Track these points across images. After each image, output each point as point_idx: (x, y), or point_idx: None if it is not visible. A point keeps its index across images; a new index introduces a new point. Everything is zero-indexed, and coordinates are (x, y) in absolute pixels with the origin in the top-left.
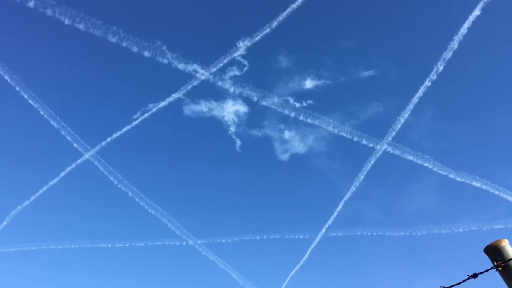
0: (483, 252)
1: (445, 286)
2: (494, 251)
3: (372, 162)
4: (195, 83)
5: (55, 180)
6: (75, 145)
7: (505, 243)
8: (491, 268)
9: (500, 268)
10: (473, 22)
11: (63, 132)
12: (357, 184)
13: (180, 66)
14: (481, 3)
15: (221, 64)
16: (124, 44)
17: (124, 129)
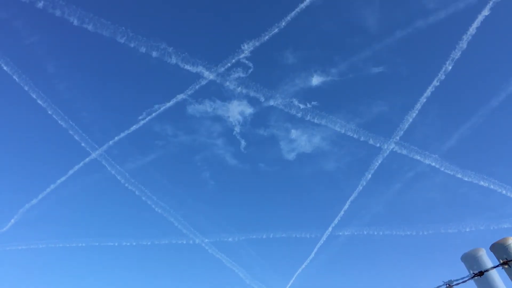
0: (489, 250)
1: (451, 282)
2: (500, 249)
3: (379, 161)
4: (203, 82)
5: (63, 179)
6: (82, 144)
7: (511, 241)
8: (498, 266)
9: (506, 266)
10: (481, 22)
11: (71, 132)
12: (364, 183)
13: (187, 67)
14: (491, 3)
15: (228, 64)
16: (132, 45)
17: (132, 128)
